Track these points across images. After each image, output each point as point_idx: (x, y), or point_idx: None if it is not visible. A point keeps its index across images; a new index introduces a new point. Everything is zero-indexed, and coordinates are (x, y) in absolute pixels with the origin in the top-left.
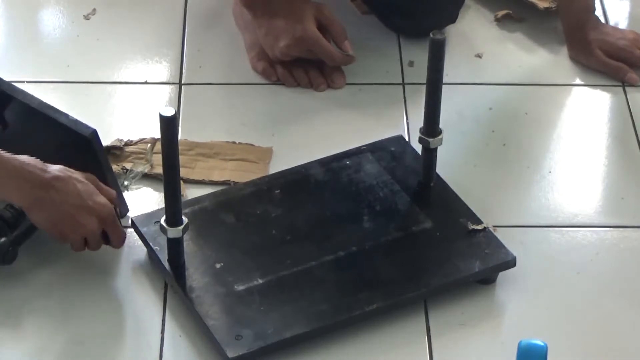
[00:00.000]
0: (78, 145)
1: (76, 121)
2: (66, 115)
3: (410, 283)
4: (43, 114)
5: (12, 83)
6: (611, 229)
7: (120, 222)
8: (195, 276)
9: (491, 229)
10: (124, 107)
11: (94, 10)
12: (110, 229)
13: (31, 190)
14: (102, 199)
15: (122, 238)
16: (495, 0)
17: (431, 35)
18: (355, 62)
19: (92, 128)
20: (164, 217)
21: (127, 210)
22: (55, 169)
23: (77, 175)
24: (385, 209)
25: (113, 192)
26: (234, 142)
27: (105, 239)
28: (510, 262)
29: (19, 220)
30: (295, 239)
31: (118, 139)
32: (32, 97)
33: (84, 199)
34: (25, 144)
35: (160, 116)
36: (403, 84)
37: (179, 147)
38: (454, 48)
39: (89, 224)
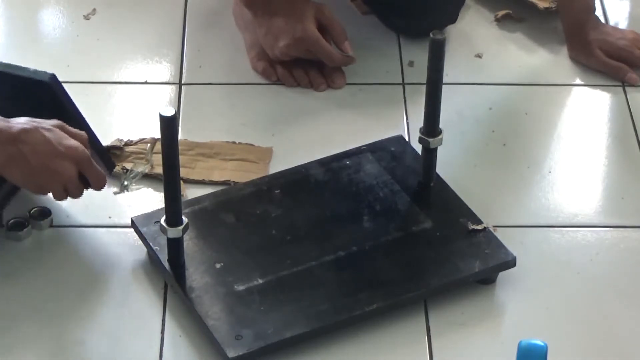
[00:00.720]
0: (41, 93)
1: (36, 71)
2: (25, 69)
3: (410, 283)
4: (3, 73)
5: None
6: (611, 229)
7: (98, 167)
8: (195, 276)
9: (491, 229)
10: (124, 107)
11: (94, 10)
12: (87, 170)
13: None
14: (73, 142)
15: (102, 178)
16: (495, 0)
17: (431, 35)
18: (355, 63)
19: (51, 73)
20: (164, 217)
21: (113, 166)
22: (20, 121)
23: (43, 123)
24: (385, 209)
25: (83, 134)
26: (234, 142)
27: (85, 183)
28: (510, 262)
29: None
30: (295, 239)
31: (118, 139)
32: None
33: (54, 146)
34: None
35: (160, 116)
36: (403, 84)
37: (179, 147)
38: (454, 48)
39: (65, 170)
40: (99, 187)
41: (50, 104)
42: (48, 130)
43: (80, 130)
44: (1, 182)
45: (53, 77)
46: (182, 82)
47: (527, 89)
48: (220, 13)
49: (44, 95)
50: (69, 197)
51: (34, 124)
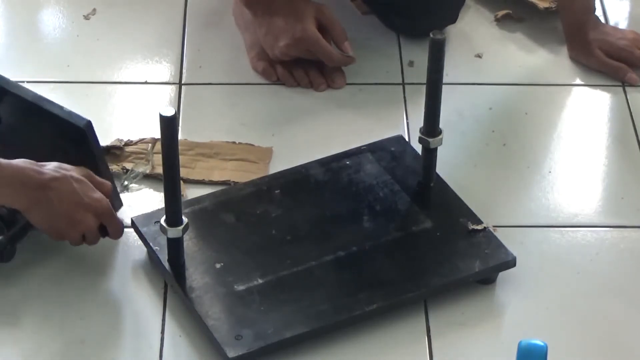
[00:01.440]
0: (73, 136)
1: (71, 113)
2: (60, 107)
3: (410, 283)
4: (37, 107)
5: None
6: (611, 229)
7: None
8: (195, 276)
9: (491, 229)
10: (124, 107)
11: (94, 10)
12: (107, 222)
13: (28, 193)
14: (97, 195)
15: (120, 230)
16: (495, 0)
17: (431, 35)
18: (355, 63)
19: (86, 119)
20: (164, 217)
21: (121, 205)
22: (50, 168)
23: (72, 172)
24: (385, 209)
25: (108, 184)
26: (234, 142)
27: (103, 231)
28: (510, 262)
29: (16, 217)
30: (295, 239)
31: (118, 139)
32: (26, 90)
33: (80, 197)
34: (19, 137)
35: (160, 116)
36: (403, 84)
37: (179, 147)
38: (454, 48)
39: (87, 221)
40: (117, 237)
41: (81, 148)
42: (76, 180)
43: (100, 174)
44: (17, 215)
45: (88, 123)
46: (182, 82)
47: (527, 89)
48: (220, 13)
49: (76, 138)
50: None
51: (63, 172)
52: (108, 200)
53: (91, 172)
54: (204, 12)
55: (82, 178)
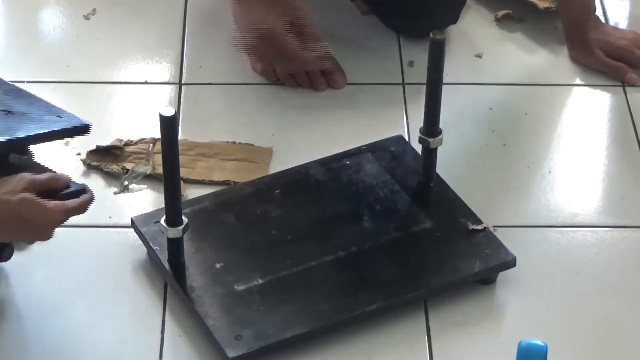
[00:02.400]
0: None
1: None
2: None
3: (410, 283)
4: None
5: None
6: (611, 229)
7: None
8: (195, 276)
9: (491, 229)
10: (124, 107)
11: (94, 10)
12: (71, 215)
13: None
14: (45, 207)
15: (85, 207)
16: (495, 0)
17: (431, 35)
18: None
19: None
20: (164, 217)
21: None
22: None
23: (13, 194)
24: (385, 209)
25: (50, 172)
26: (234, 142)
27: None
28: (510, 262)
29: None
30: (295, 239)
31: (118, 139)
32: None
33: (29, 221)
34: None
35: (160, 116)
36: (403, 84)
37: (179, 147)
38: (454, 48)
39: (46, 235)
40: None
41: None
42: (20, 202)
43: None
44: None
45: None
46: (182, 82)
47: (527, 89)
48: (220, 13)
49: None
50: None
51: (5, 197)
52: (61, 204)
53: (32, 177)
54: (204, 12)
55: (26, 196)
